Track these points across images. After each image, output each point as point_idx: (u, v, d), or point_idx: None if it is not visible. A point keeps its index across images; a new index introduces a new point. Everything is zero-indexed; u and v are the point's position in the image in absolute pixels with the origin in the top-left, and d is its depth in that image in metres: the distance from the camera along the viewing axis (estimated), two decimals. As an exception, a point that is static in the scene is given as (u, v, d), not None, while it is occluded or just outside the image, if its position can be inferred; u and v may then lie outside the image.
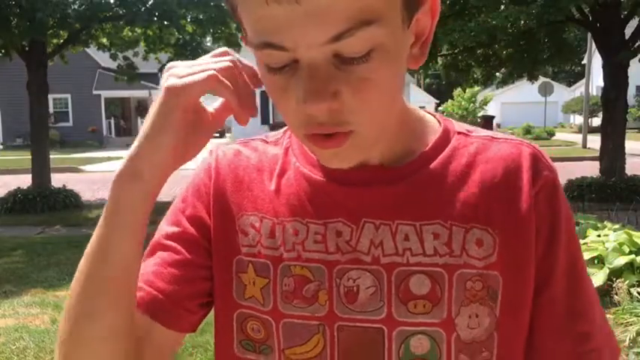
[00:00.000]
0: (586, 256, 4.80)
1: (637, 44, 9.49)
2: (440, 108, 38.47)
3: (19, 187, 9.85)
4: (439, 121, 0.74)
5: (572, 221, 0.71)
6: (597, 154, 10.88)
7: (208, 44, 12.55)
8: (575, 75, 46.07)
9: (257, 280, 0.70)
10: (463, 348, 0.66)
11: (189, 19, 10.37)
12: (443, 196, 0.67)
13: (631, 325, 3.87)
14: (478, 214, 0.67)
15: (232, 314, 0.72)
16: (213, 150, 0.78)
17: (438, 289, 0.65)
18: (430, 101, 47.83)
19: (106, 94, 27.38)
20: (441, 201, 0.67)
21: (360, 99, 0.57)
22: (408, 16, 0.59)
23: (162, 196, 0.68)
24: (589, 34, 17.37)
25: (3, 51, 9.63)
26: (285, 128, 0.76)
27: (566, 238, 0.69)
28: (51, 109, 19.68)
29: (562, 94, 38.84)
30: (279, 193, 0.71)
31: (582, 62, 26.07)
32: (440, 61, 11.94)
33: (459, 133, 0.72)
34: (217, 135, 35.93)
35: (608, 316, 4.22)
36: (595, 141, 14.21)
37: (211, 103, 0.69)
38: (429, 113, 0.76)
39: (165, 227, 0.74)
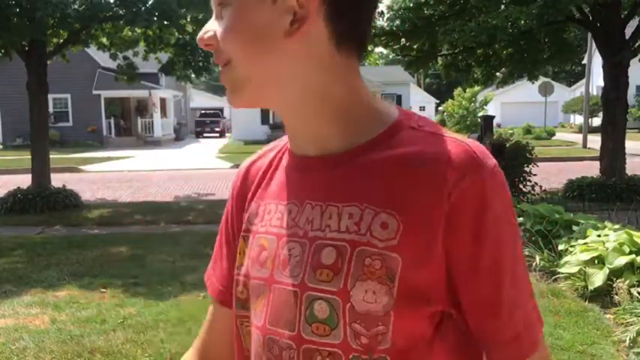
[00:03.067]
0: (586, 256, 4.79)
1: (637, 44, 9.50)
2: (440, 108, 38.42)
3: (19, 187, 9.85)
4: (396, 116, 0.80)
5: (504, 221, 0.74)
6: (597, 154, 10.89)
7: (208, 44, 12.53)
8: (575, 75, 46.04)
9: (246, 249, 0.86)
10: (357, 318, 0.73)
11: (189, 19, 10.36)
12: (366, 183, 0.77)
13: (631, 325, 3.87)
14: (392, 201, 0.74)
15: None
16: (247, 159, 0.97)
17: (340, 262, 0.74)
18: (430, 101, 47.78)
19: (105, 93, 27.34)
20: (363, 187, 0.76)
21: None
22: None
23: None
24: (589, 34, 17.40)
25: (3, 51, 9.64)
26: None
27: (492, 236, 0.73)
28: (51, 109, 19.69)
29: (562, 94, 38.73)
30: (270, 183, 0.88)
31: (582, 62, 26.09)
32: (440, 61, 11.95)
33: (412, 128, 0.78)
34: (217, 135, 35.93)
35: (608, 316, 4.24)
36: (595, 141, 14.22)
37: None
38: (397, 107, 0.82)
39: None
